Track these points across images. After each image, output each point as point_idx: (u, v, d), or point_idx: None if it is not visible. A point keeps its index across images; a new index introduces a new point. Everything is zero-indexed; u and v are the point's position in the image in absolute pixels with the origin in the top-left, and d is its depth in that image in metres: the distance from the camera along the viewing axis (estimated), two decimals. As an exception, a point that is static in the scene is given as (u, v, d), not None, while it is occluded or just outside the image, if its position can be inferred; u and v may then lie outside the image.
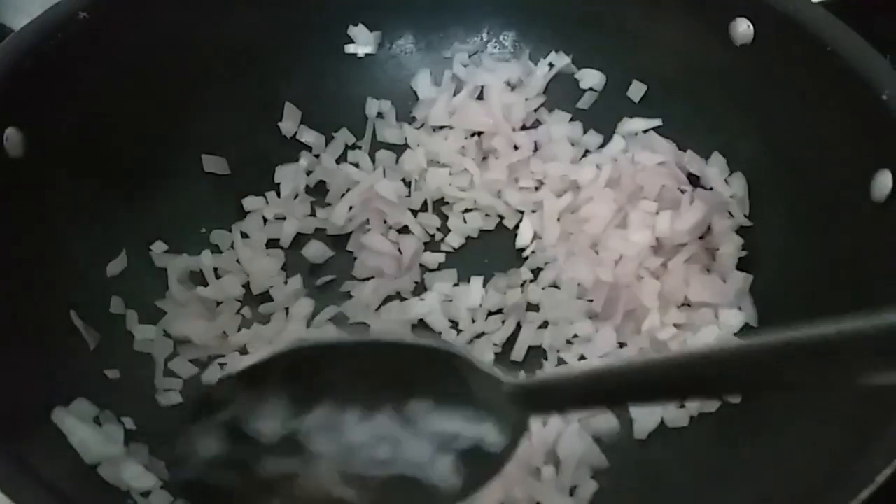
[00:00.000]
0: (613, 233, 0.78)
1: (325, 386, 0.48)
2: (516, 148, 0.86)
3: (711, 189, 0.80)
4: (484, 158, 0.87)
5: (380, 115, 0.90)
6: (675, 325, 0.74)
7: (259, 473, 0.49)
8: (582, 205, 0.81)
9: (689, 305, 0.75)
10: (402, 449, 0.48)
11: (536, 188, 0.85)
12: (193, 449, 0.49)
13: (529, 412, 0.47)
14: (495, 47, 0.91)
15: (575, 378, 0.48)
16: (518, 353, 0.76)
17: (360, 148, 0.89)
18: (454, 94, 0.89)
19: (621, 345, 0.74)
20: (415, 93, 0.91)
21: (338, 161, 0.88)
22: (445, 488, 0.48)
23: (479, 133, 0.88)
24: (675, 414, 0.70)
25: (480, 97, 0.89)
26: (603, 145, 0.86)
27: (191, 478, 0.50)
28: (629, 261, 0.76)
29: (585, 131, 0.88)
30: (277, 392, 0.49)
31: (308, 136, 0.88)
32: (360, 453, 0.48)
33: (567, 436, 0.68)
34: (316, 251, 0.82)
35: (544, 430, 0.68)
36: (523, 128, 0.88)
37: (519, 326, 0.77)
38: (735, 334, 0.73)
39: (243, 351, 0.75)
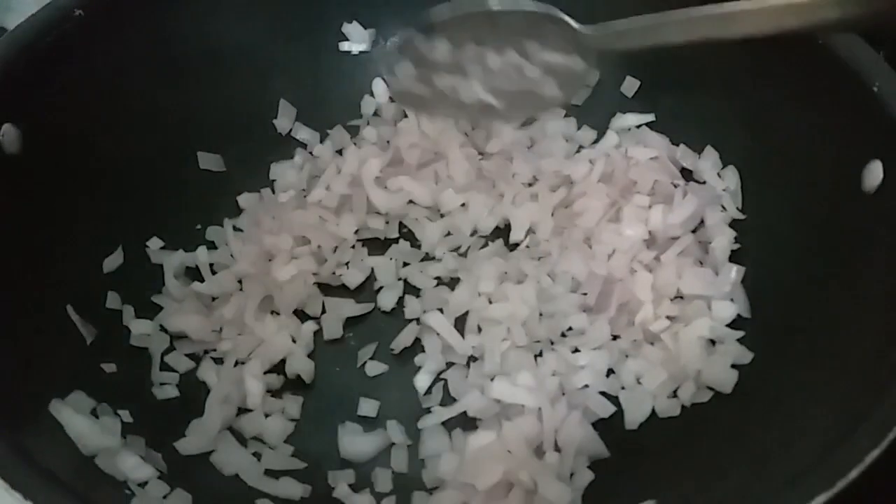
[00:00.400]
0: (606, 227, 0.79)
1: (475, 34, 0.73)
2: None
3: (704, 183, 0.81)
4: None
5: (376, 113, 0.91)
6: (667, 318, 0.74)
7: (437, 85, 0.75)
8: (575, 199, 0.82)
9: (681, 298, 0.76)
10: (524, 72, 0.73)
11: (530, 184, 0.85)
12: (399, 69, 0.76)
13: (597, 49, 0.70)
14: (489, 44, 0.91)
15: (632, 22, 0.67)
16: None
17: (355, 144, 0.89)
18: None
19: (615, 337, 0.75)
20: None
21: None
22: (551, 96, 0.73)
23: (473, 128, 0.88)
24: (666, 404, 0.71)
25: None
26: (596, 141, 0.87)
27: (401, 89, 0.76)
28: (622, 254, 0.77)
29: (579, 127, 0.88)
30: (446, 36, 0.73)
31: (303, 133, 0.89)
32: (497, 75, 0.73)
33: (568, 423, 0.68)
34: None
35: (553, 414, 0.69)
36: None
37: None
38: (728, 326, 0.73)
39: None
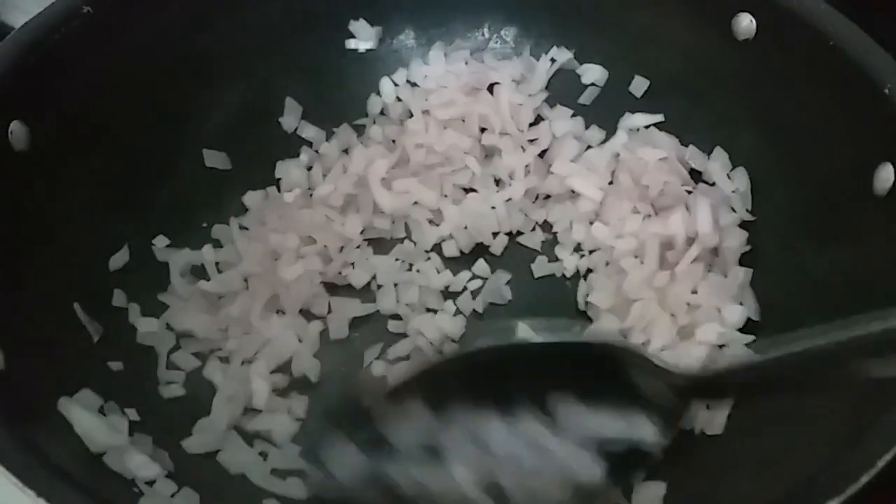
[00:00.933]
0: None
1: (468, 395, 0.47)
2: (522, 150, 0.87)
3: (714, 185, 0.80)
4: (486, 156, 0.88)
5: (382, 112, 0.90)
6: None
7: (400, 489, 0.47)
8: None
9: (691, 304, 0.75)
10: (547, 451, 0.45)
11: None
12: (336, 463, 0.49)
13: (691, 400, 0.47)
14: (497, 42, 0.91)
15: (739, 367, 0.50)
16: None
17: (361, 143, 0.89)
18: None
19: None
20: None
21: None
22: (590, 481, 0.46)
23: (482, 129, 0.88)
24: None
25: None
26: (605, 141, 0.87)
27: (333, 497, 0.50)
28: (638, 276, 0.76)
29: (587, 127, 0.88)
30: (420, 405, 0.48)
31: (309, 131, 0.89)
32: (500, 461, 0.46)
33: None
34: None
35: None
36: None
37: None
38: (739, 330, 0.73)
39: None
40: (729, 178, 0.80)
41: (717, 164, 0.81)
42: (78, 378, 0.66)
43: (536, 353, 0.48)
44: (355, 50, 0.90)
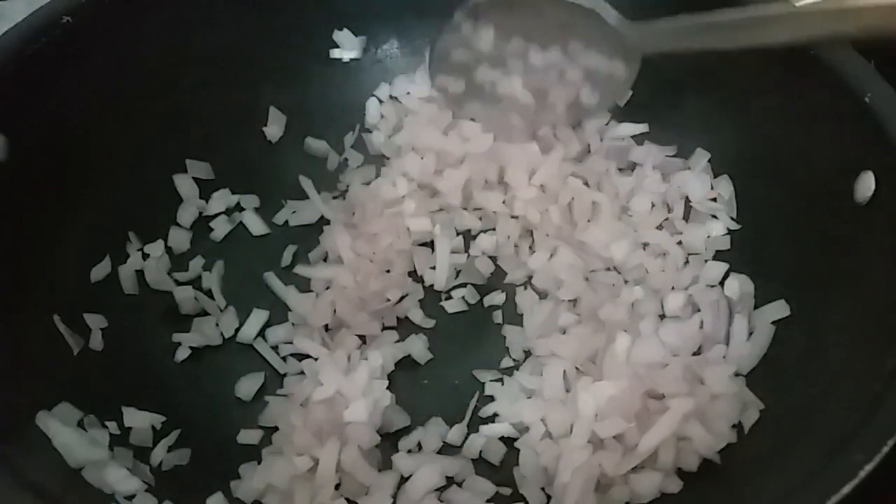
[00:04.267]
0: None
1: (521, 26, 0.75)
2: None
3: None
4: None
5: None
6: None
7: (477, 78, 0.79)
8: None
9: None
10: (565, 74, 0.75)
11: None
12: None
13: (644, 52, 0.71)
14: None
15: (676, 21, 0.68)
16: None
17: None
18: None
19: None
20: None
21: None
22: (588, 102, 0.77)
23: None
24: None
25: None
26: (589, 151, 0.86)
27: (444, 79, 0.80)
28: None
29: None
30: (493, 24, 0.75)
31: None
32: (538, 73, 0.75)
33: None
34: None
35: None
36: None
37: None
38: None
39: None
40: (712, 187, 0.80)
41: (698, 170, 0.81)
42: (57, 391, 0.65)
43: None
44: (340, 59, 0.90)
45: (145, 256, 0.79)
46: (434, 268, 0.80)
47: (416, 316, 0.78)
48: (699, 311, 0.74)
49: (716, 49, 0.68)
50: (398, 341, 0.76)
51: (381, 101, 0.90)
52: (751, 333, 0.72)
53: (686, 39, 0.68)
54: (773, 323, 0.71)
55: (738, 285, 0.75)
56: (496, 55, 0.76)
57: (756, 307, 0.73)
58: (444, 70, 0.80)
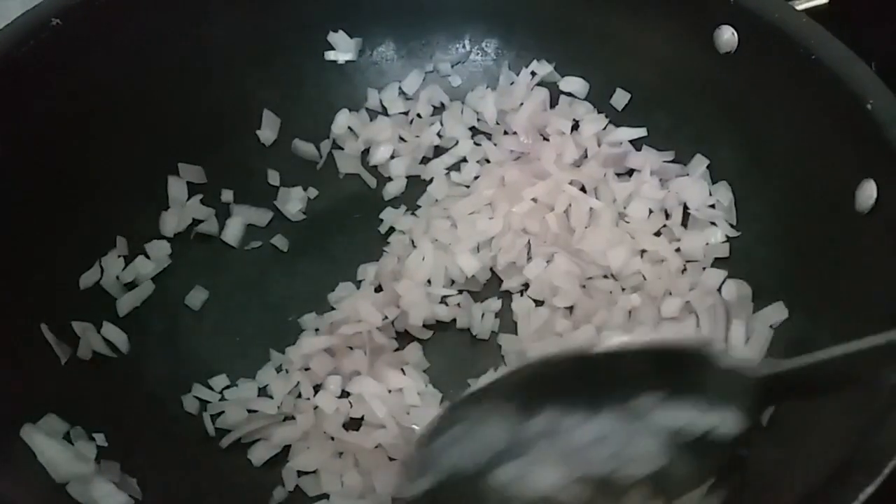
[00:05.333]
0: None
1: (550, 394, 0.50)
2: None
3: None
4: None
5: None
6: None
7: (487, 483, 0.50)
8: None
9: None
10: (630, 445, 0.48)
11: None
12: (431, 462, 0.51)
13: (771, 399, 0.50)
14: (477, 55, 0.90)
15: (823, 362, 0.48)
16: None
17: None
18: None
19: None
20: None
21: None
22: (678, 480, 0.48)
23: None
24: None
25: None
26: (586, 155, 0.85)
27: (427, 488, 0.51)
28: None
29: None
30: (505, 404, 0.51)
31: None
32: (584, 453, 0.48)
33: None
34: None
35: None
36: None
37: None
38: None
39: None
40: (710, 194, 0.79)
41: (697, 176, 0.80)
42: (43, 402, 0.64)
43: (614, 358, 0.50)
44: (335, 61, 0.89)
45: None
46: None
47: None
48: (696, 315, 0.73)
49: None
50: (397, 350, 0.75)
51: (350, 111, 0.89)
52: (748, 338, 0.71)
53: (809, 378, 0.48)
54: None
55: (736, 289, 0.74)
56: (512, 441, 0.51)
57: (754, 312, 0.72)
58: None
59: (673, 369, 0.49)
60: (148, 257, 0.79)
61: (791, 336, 0.69)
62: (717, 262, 0.77)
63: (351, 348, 0.74)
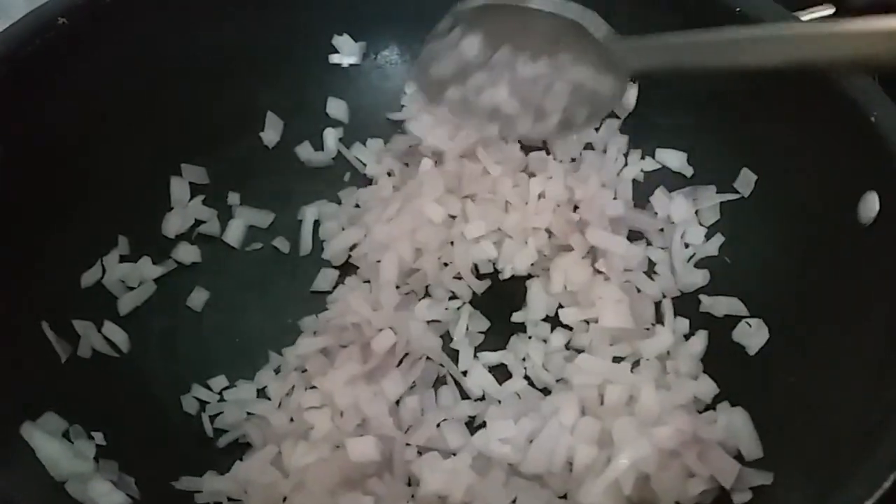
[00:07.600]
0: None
1: (510, 36, 0.71)
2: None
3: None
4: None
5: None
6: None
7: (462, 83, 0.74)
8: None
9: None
10: (552, 87, 0.70)
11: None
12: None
13: (632, 69, 0.65)
14: (480, 60, 0.90)
15: (662, 38, 0.62)
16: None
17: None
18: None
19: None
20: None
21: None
22: (572, 119, 0.71)
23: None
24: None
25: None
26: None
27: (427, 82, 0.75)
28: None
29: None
30: (482, 32, 0.72)
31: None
32: (525, 85, 0.71)
33: None
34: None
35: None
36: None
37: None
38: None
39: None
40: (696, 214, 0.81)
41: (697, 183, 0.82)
42: (42, 400, 0.64)
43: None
44: (339, 65, 0.89)
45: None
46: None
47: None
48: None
49: (706, 69, 0.62)
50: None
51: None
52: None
53: (675, 57, 0.62)
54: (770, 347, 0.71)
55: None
56: (483, 64, 0.73)
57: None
58: (429, 77, 0.75)
59: (578, 39, 0.67)
60: (150, 257, 0.79)
61: (792, 341, 0.70)
62: (715, 273, 0.78)
63: (344, 346, 0.74)
